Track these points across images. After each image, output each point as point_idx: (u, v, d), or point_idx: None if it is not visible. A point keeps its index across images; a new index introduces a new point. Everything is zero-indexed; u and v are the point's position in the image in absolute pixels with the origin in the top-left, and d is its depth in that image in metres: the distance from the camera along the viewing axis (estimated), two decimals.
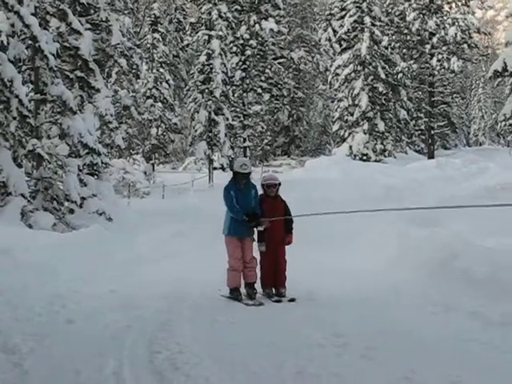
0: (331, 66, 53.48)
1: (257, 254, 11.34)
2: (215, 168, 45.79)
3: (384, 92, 48.68)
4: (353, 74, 48.55)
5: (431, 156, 53.60)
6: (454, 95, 63.88)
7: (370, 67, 48.16)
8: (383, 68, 48.91)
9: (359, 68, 48.36)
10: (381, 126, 48.10)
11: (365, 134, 47.78)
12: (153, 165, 49.21)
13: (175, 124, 50.19)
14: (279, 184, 11.42)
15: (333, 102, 54.42)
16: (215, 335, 8.54)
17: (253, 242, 11.24)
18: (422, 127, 58.24)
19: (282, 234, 11.21)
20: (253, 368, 6.97)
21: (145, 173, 42.65)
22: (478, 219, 16.95)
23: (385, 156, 48.07)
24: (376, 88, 48.15)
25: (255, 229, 11.07)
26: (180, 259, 15.42)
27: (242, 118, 49.20)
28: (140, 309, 10.03)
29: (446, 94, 59.61)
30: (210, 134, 43.85)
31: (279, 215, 11.19)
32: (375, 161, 46.51)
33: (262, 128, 51.78)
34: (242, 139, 49.75)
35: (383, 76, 48.54)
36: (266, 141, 55.27)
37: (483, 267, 10.62)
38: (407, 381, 6.55)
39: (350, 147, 47.93)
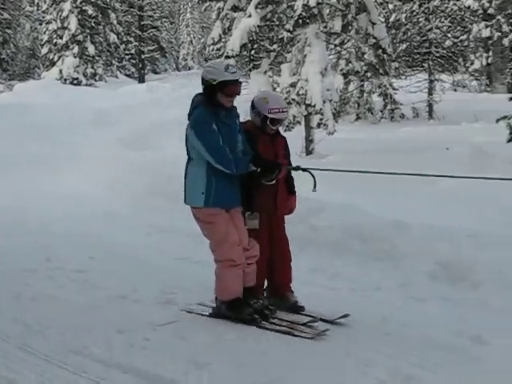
0: None
1: None
2: None
3: (93, 15, 47.86)
4: None
5: (142, 80, 53.90)
6: (163, 19, 64.32)
7: None
8: None
9: None
10: (91, 50, 47.38)
11: (75, 57, 46.82)
12: None
13: None
14: None
15: (41, 24, 52.59)
16: None
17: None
18: (133, 51, 58.18)
19: (285, 196, 6.75)
20: None
21: None
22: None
23: (96, 80, 47.54)
24: (85, 11, 47.14)
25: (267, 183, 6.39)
26: None
27: None
28: None
29: (155, 19, 59.85)
30: None
31: (284, 161, 6.65)
32: (86, 85, 45.86)
33: None
34: None
35: None
36: None
37: None
38: (123, 299, 6.78)
39: (60, 71, 46.77)
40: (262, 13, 17.43)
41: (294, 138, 16.69)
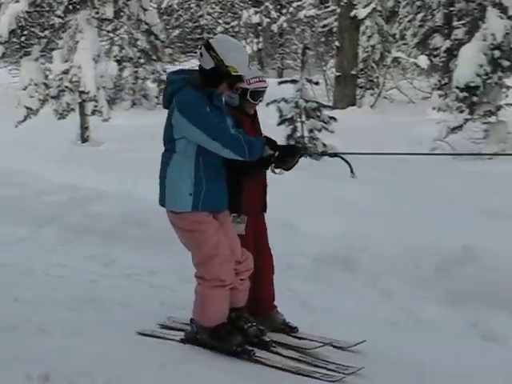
0: None
1: None
2: None
3: None
4: None
5: None
6: None
7: None
8: None
9: None
10: None
11: None
12: None
13: None
14: None
15: None
16: None
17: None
18: None
19: (266, 192, 5.63)
20: None
21: None
22: None
23: None
24: None
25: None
26: None
27: None
28: None
29: None
30: None
31: None
32: None
33: None
34: None
35: None
36: None
37: None
38: None
39: None
40: None
41: (69, 126, 16.54)
